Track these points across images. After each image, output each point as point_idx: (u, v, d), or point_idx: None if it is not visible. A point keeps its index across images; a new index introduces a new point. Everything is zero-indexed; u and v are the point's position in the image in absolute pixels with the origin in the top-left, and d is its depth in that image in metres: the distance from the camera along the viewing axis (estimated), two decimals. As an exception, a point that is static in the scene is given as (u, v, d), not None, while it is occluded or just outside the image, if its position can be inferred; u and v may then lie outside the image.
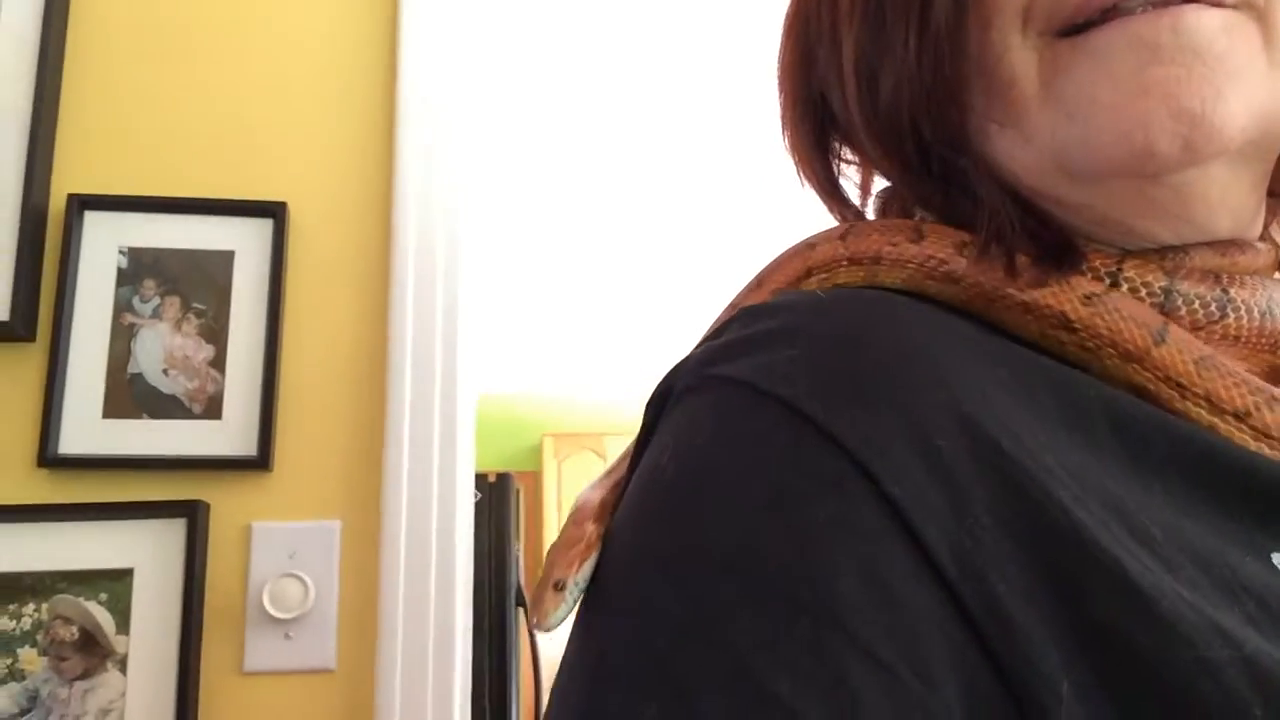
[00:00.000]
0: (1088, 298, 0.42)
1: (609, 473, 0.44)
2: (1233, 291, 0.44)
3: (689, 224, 3.49)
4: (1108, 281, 0.43)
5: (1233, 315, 0.43)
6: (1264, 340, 0.44)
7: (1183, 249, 0.45)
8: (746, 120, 2.68)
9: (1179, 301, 0.43)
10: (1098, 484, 0.36)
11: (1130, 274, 0.43)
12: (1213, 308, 0.43)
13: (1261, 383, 0.42)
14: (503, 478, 2.68)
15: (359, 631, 1.16)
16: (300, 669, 1.14)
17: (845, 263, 0.45)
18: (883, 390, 0.35)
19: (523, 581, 2.65)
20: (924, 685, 0.31)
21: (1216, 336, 0.44)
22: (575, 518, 0.40)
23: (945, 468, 0.34)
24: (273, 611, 1.13)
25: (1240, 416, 0.41)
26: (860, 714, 0.30)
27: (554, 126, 2.58)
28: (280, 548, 1.16)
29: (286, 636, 1.15)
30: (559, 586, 0.38)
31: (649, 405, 0.40)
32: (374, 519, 1.18)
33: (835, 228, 0.47)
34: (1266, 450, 0.41)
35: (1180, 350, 0.41)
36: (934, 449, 0.34)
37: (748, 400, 0.36)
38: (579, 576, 0.38)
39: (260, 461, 1.16)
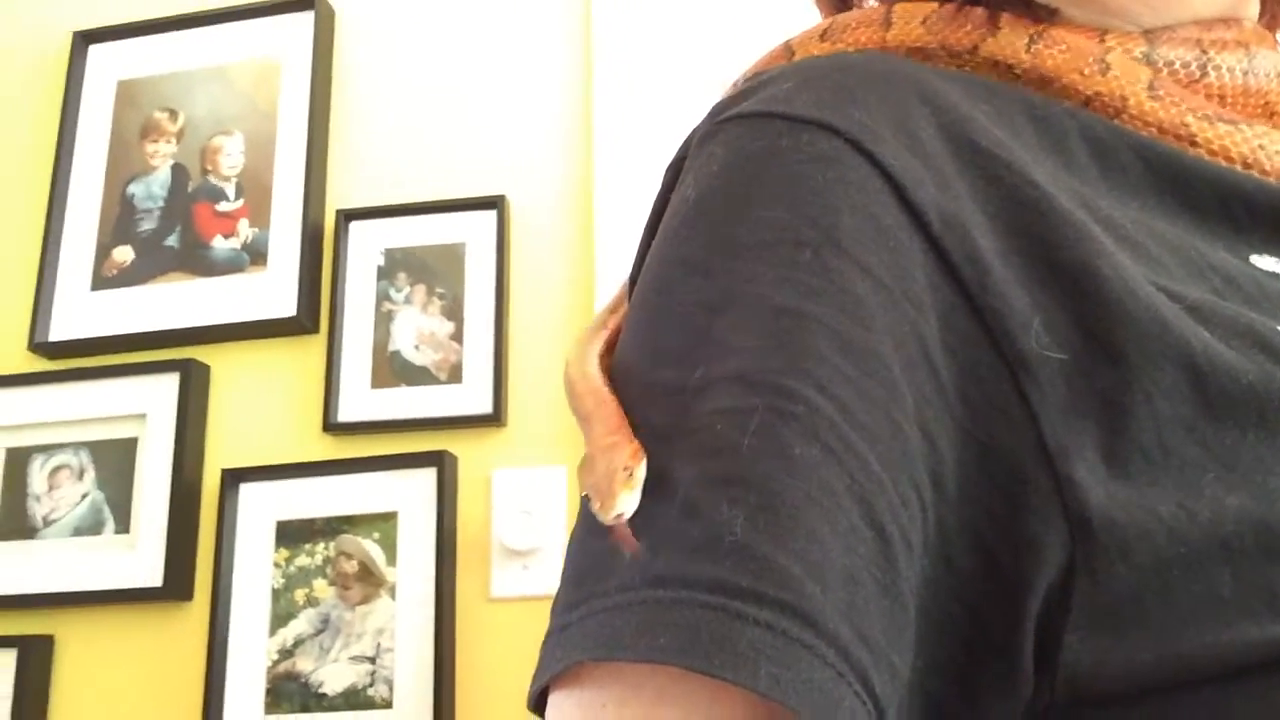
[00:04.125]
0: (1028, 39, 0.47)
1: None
2: (1212, 53, 0.46)
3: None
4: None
5: (1214, 74, 0.45)
6: (1251, 100, 0.46)
7: (1167, 27, 0.47)
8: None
9: (1160, 64, 0.45)
10: (1069, 187, 0.39)
11: (1111, 42, 0.46)
12: (1193, 67, 0.45)
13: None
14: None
15: (585, 562, 1.29)
16: (538, 595, 1.29)
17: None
18: (871, 97, 0.39)
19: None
20: (913, 308, 0.35)
21: (1201, 96, 0.45)
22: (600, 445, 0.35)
23: (926, 152, 0.37)
24: (512, 546, 1.29)
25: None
26: (861, 311, 0.34)
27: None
28: (516, 491, 1.33)
29: (525, 567, 1.30)
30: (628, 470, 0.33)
31: (668, 169, 0.43)
32: (594, 463, 1.31)
33: (814, 26, 0.51)
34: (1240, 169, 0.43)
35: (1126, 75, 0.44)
36: (917, 139, 0.38)
37: (754, 125, 0.39)
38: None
39: (495, 418, 1.34)
